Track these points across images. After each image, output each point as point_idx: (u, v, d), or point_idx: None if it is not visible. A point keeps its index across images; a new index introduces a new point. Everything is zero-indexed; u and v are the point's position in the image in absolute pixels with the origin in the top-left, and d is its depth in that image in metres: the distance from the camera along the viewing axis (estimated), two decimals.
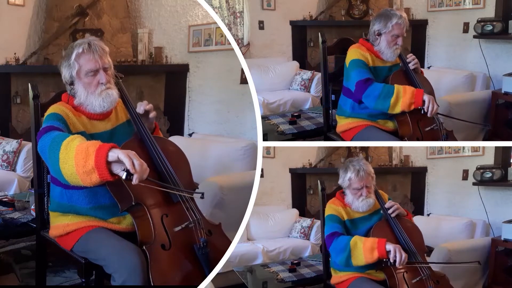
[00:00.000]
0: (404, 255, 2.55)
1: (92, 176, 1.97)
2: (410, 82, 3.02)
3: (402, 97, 2.85)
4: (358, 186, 2.77)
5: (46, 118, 2.30)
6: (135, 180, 1.97)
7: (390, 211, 2.83)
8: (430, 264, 2.79)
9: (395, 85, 2.89)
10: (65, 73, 2.34)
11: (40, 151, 2.16)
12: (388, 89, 2.88)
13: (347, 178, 2.79)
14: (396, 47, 2.99)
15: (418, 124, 2.95)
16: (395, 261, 2.54)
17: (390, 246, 2.56)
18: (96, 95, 2.33)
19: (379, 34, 2.98)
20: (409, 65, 3.05)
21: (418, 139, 2.96)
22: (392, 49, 2.99)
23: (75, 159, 1.98)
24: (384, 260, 2.58)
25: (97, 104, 2.34)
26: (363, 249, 2.60)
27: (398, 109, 2.88)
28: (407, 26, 2.99)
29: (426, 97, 2.83)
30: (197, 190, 2.44)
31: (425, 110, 2.83)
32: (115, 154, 1.96)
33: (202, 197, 2.34)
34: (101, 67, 2.32)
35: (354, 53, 3.01)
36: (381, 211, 2.86)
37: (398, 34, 2.96)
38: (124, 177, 1.95)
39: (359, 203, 2.80)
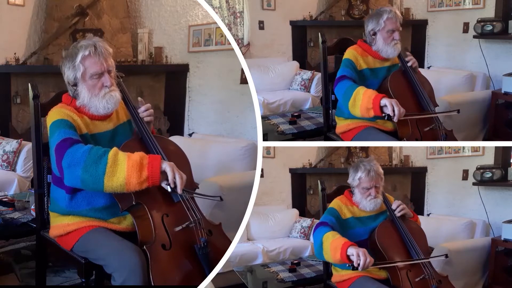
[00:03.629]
0: (369, 259, 2.43)
1: (143, 184, 2.18)
2: (409, 82, 3.02)
3: (360, 100, 2.75)
4: (367, 185, 2.77)
5: (55, 125, 2.28)
6: (179, 191, 2.20)
7: (396, 211, 2.83)
8: (428, 262, 2.79)
9: (359, 87, 2.79)
10: (69, 75, 2.33)
11: (67, 165, 2.17)
12: (351, 89, 2.80)
13: (357, 177, 2.78)
14: (394, 42, 2.96)
15: (417, 124, 2.94)
16: (359, 264, 2.43)
17: (352, 250, 2.45)
18: (99, 98, 2.33)
19: (374, 33, 2.98)
20: (408, 64, 3.03)
21: (417, 140, 2.95)
22: (390, 45, 2.96)
23: (128, 171, 2.14)
24: (348, 265, 2.48)
25: (101, 106, 2.34)
26: (330, 247, 2.53)
27: (357, 113, 2.80)
28: (400, 20, 2.96)
29: (386, 102, 2.66)
30: (198, 191, 2.44)
31: (391, 115, 2.65)
32: (164, 165, 2.19)
33: (221, 200, 2.45)
34: (106, 70, 2.31)
35: (347, 53, 3.02)
36: (387, 212, 2.86)
37: (393, 28, 2.93)
38: (170, 190, 2.20)
39: (366, 202, 2.79)
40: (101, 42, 2.33)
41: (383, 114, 2.68)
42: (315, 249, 2.68)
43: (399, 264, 2.67)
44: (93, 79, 2.31)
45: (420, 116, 2.94)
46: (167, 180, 2.19)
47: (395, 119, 2.65)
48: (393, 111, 2.64)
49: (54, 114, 2.32)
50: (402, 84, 2.99)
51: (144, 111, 2.47)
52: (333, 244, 2.53)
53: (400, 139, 2.98)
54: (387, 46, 2.97)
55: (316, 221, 4.92)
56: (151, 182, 2.18)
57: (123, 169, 2.15)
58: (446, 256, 3.00)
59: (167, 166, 2.19)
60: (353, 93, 2.78)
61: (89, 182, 2.16)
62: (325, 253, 2.57)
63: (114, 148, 2.21)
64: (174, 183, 2.19)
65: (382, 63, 3.04)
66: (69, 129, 2.26)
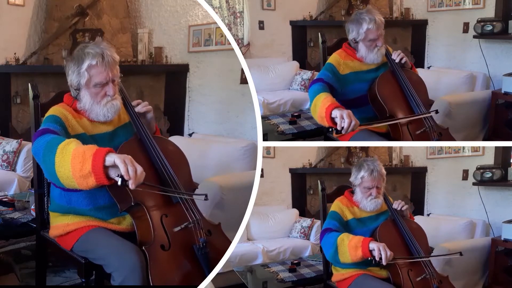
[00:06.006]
0: (389, 253, 2.52)
1: (89, 180, 1.99)
2: (399, 83, 2.94)
3: (319, 106, 2.64)
4: (369, 185, 2.79)
5: (44, 120, 2.29)
6: (131, 186, 1.99)
7: (397, 208, 2.86)
8: (429, 261, 2.79)
9: (321, 93, 2.67)
10: (73, 79, 2.31)
11: (34, 153, 2.16)
12: (315, 94, 2.71)
13: (360, 176, 2.80)
14: (377, 48, 2.89)
15: (408, 127, 2.90)
16: (380, 259, 2.52)
17: (373, 245, 2.54)
18: (101, 106, 2.32)
19: (356, 42, 2.91)
20: (395, 61, 2.95)
21: None
22: (373, 52, 2.90)
23: (72, 163, 1.99)
24: (369, 258, 2.56)
25: (101, 114, 2.34)
26: (348, 247, 2.59)
27: (316, 119, 2.70)
28: (382, 25, 2.86)
29: (337, 113, 2.50)
30: (197, 192, 2.44)
31: (339, 128, 2.51)
32: (111, 158, 1.97)
33: (206, 199, 2.36)
34: (110, 80, 2.30)
35: (330, 58, 2.98)
36: (388, 212, 2.87)
37: (374, 37, 2.86)
38: (120, 183, 1.97)
39: (367, 202, 2.81)
40: (109, 50, 2.29)
41: (330, 129, 2.56)
42: (327, 254, 2.72)
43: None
44: (97, 88, 2.29)
45: (376, 125, 2.85)
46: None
47: (344, 132, 2.49)
48: (343, 124, 2.47)
49: (50, 111, 2.33)
50: (391, 86, 2.92)
51: (142, 107, 2.47)
52: (351, 243, 2.60)
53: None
54: (370, 53, 2.90)
55: (316, 221, 4.96)
56: (95, 178, 1.96)
57: (68, 160, 1.99)
58: (461, 253, 2.96)
59: (116, 158, 1.95)
60: (315, 98, 2.68)
61: (48, 173, 2.08)
62: (341, 256, 2.62)
63: (72, 139, 2.08)
64: (129, 176, 1.95)
65: (368, 65, 2.96)
66: (54, 123, 2.23)
